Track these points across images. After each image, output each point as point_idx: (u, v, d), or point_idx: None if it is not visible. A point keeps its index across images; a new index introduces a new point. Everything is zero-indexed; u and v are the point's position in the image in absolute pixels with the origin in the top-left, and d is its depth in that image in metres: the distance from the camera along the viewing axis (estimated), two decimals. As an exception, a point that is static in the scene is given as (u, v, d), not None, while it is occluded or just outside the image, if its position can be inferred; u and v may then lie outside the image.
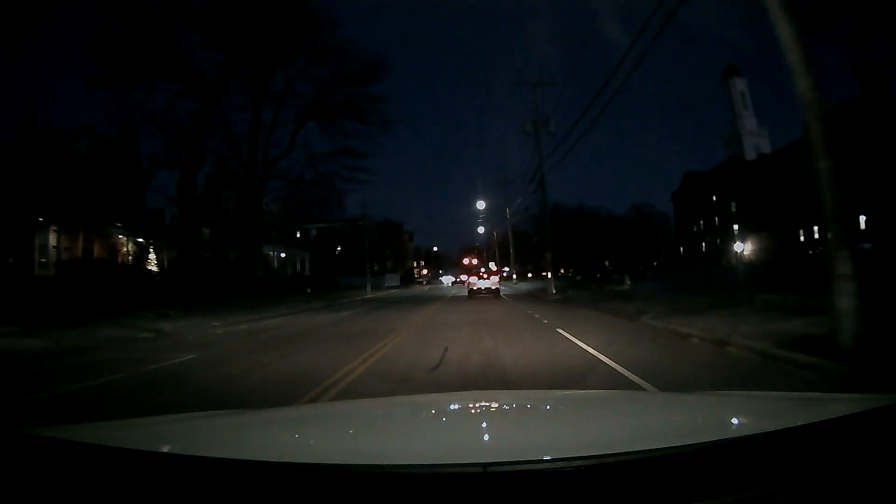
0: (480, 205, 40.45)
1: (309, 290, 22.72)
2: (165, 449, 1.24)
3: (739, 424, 1.47)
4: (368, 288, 33.91)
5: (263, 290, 24.26)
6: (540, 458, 1.00)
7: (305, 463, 1.06)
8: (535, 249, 73.43)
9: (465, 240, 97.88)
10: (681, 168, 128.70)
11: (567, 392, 3.54)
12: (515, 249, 69.53)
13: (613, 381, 5.09)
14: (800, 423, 1.13)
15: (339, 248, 60.94)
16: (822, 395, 2.07)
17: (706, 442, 1.05)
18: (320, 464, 1.05)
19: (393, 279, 52.96)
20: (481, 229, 54.57)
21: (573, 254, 72.67)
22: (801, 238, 54.20)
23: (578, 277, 37.46)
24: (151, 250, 31.40)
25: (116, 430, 1.49)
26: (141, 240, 34.20)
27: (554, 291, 20.70)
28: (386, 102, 43.13)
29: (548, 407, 2.03)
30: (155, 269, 28.51)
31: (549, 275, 21.06)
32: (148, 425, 1.68)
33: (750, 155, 70.60)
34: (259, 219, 27.42)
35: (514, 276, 38.19)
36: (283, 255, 47.65)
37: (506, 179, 37.59)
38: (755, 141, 75.79)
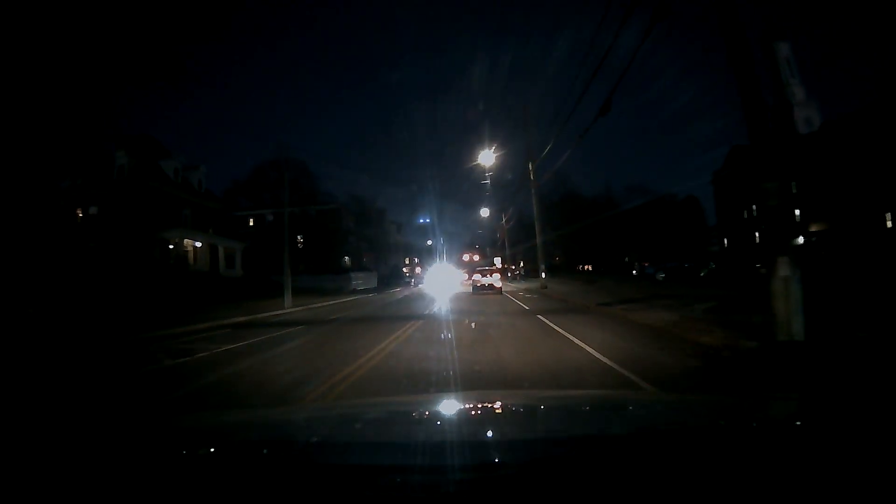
0: (485, 158, 23.54)
1: (31, 311, 7.05)
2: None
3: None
4: (287, 300, 17.90)
5: None
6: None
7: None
8: (552, 244, 57.33)
9: (468, 235, 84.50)
10: (696, 156, 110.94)
11: (567, 392, 3.19)
12: (520, 242, 53.82)
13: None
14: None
15: (300, 239, 44.83)
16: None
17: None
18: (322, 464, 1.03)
19: (365, 279, 36.70)
20: (485, 211, 38.28)
21: (595, 248, 57.10)
22: (889, 223, 42.10)
23: (661, 276, 21.55)
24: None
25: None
26: None
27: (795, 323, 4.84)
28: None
29: (545, 408, 1.90)
30: None
31: (785, 273, 5.05)
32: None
33: (802, 128, 56.25)
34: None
35: (543, 275, 21.87)
36: (198, 244, 31.68)
37: (527, 115, 21.46)
38: (806, 113, 59.99)
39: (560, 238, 56.08)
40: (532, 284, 26.95)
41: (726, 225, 61.06)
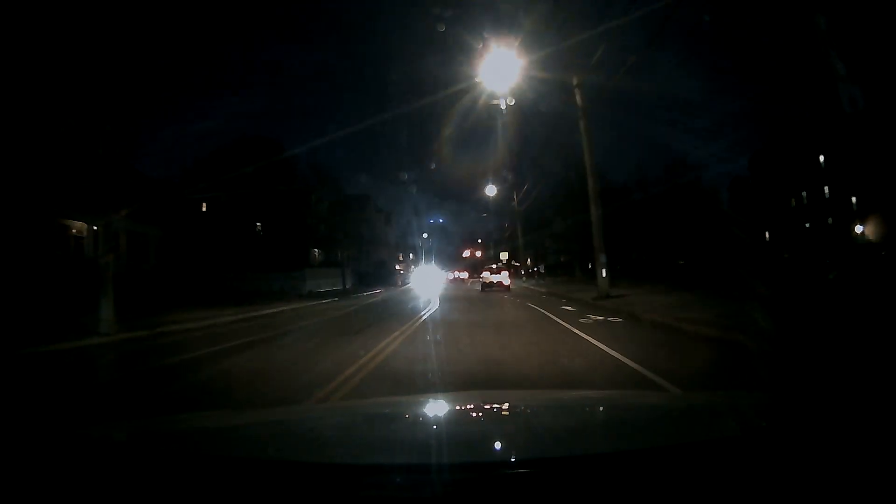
0: (499, 72, 13.07)
1: None
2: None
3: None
4: (105, 313, 7.97)
5: None
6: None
7: (303, 462, 1.00)
8: (559, 237, 47.01)
9: (467, 231, 76.49)
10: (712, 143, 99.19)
11: (572, 393, 2.86)
12: (530, 232, 43.59)
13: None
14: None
15: (259, 226, 34.80)
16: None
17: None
18: (316, 462, 0.99)
19: (330, 278, 26.73)
20: (492, 190, 28.72)
21: (618, 241, 46.90)
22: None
23: (832, 275, 11.81)
24: None
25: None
26: None
27: None
28: None
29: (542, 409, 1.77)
30: None
31: None
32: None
33: (847, 106, 46.21)
34: None
35: (604, 273, 11.74)
36: (94, 228, 22.35)
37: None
38: (850, 90, 49.64)
39: (570, 229, 46.15)
40: (562, 288, 17.28)
41: (769, 215, 51.30)
